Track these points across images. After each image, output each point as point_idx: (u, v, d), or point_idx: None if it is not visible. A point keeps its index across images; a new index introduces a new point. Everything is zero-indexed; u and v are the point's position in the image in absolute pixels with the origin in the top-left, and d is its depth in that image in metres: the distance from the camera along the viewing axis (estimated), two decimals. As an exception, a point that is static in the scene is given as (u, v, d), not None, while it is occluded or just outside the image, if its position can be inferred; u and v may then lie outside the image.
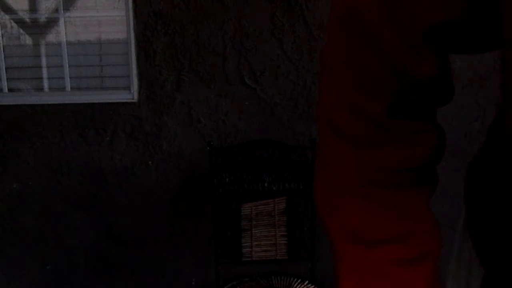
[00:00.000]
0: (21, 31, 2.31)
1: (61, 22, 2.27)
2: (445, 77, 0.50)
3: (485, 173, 0.55)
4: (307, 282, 2.23)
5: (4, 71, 2.30)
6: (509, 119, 0.45)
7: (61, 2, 2.25)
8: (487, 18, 0.44)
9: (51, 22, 2.29)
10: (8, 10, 2.28)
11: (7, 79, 2.31)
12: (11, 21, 2.29)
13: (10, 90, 2.33)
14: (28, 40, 2.31)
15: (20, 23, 2.30)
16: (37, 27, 2.30)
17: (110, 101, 2.27)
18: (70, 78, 2.32)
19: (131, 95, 2.27)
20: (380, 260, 0.52)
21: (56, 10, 2.27)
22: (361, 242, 0.53)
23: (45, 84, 2.35)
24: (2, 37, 2.29)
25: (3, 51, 2.29)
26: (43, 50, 2.32)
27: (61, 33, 2.28)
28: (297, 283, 2.23)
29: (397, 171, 0.51)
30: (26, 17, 2.29)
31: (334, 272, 0.57)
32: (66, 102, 2.28)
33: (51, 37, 2.30)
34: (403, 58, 0.46)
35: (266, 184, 2.15)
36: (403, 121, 0.50)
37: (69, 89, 2.33)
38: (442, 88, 0.50)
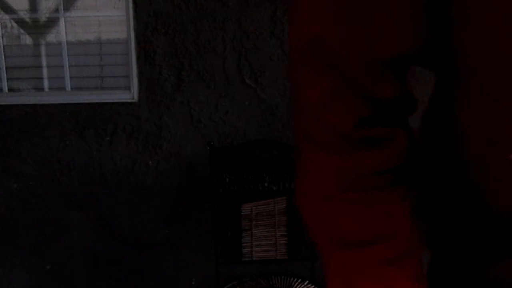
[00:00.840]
0: (21, 31, 2.31)
1: (61, 22, 2.27)
2: (407, 94, 0.52)
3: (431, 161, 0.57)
4: (307, 282, 2.23)
5: (4, 71, 2.30)
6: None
7: (61, 2, 2.25)
8: (441, 50, 0.47)
9: (51, 22, 2.29)
10: (8, 10, 2.28)
11: (7, 79, 2.31)
12: (11, 21, 2.29)
13: (10, 90, 2.33)
14: (28, 40, 2.32)
15: (20, 23, 2.30)
16: (37, 27, 2.30)
17: (110, 101, 2.27)
18: (70, 78, 2.32)
19: (131, 95, 2.27)
20: (364, 261, 0.53)
21: (56, 10, 2.27)
22: (344, 246, 0.54)
23: (45, 84, 2.35)
24: (2, 37, 2.29)
25: (3, 51, 2.29)
26: (43, 50, 2.32)
27: (61, 33, 2.28)
28: (297, 283, 2.23)
29: (372, 174, 0.53)
30: (26, 17, 2.29)
31: (325, 276, 0.58)
32: (66, 102, 2.28)
33: (51, 37, 2.30)
34: (367, 84, 0.49)
35: (266, 184, 2.15)
36: (371, 130, 0.51)
37: (69, 89, 2.33)
38: (405, 103, 0.53)
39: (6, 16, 2.29)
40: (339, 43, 0.47)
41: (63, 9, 2.26)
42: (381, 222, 0.53)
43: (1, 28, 2.28)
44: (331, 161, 0.54)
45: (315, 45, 0.49)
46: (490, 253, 0.51)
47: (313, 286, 2.22)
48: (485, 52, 0.42)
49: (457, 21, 0.43)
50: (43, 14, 2.29)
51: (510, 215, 0.47)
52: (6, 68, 2.30)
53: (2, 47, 2.29)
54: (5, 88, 2.31)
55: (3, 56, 2.29)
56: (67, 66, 2.30)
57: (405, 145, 0.52)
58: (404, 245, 0.52)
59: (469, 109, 0.45)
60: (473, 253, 0.53)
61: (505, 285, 0.51)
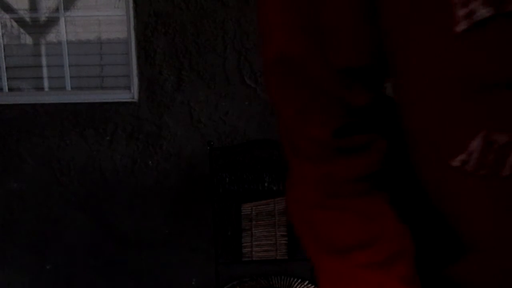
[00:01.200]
0: (22, 30, 2.31)
1: (62, 21, 2.27)
2: (382, 100, 0.54)
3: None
4: (307, 282, 2.23)
5: (5, 70, 2.30)
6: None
7: (62, 2, 2.25)
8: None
9: (52, 22, 2.29)
10: (8, 9, 2.28)
11: (7, 78, 2.31)
12: (12, 20, 2.29)
13: (10, 89, 2.33)
14: (28, 39, 2.32)
15: (21, 22, 2.30)
16: (38, 27, 2.30)
17: (110, 100, 2.27)
18: (70, 77, 2.32)
19: (131, 94, 2.27)
20: (354, 266, 0.53)
21: (57, 10, 2.27)
22: (334, 251, 0.55)
23: (46, 84, 2.35)
24: (2, 36, 2.29)
25: (4, 51, 2.29)
26: (43, 49, 2.32)
27: (62, 33, 2.28)
28: (297, 283, 2.22)
29: (355, 180, 0.54)
30: (27, 16, 2.29)
31: (317, 282, 0.59)
32: (66, 101, 2.28)
33: (51, 37, 2.30)
34: (338, 94, 0.50)
35: (266, 184, 2.15)
36: (349, 139, 0.53)
37: (70, 88, 2.33)
38: (381, 109, 0.54)
39: (6, 16, 2.29)
40: (303, 58, 0.49)
41: (63, 9, 2.26)
42: (368, 226, 0.54)
43: (1, 28, 2.28)
44: (315, 170, 0.55)
45: (283, 62, 0.50)
46: (447, 255, 0.53)
47: (313, 286, 2.22)
48: (409, 61, 0.43)
49: (386, 34, 0.44)
50: (43, 14, 2.29)
51: (455, 219, 0.48)
52: (6, 67, 2.30)
53: (2, 47, 2.29)
54: (5, 88, 2.31)
55: (3, 56, 2.29)
56: (67, 65, 2.30)
57: (384, 149, 0.53)
58: (392, 247, 0.53)
59: (411, 116, 0.46)
60: (434, 254, 0.54)
61: (464, 285, 0.52)
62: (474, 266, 0.50)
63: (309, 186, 0.56)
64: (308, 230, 0.59)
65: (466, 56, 0.38)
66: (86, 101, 2.27)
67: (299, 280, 2.24)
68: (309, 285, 2.22)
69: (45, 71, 2.34)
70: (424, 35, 0.40)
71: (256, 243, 2.28)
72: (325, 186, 0.55)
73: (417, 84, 0.43)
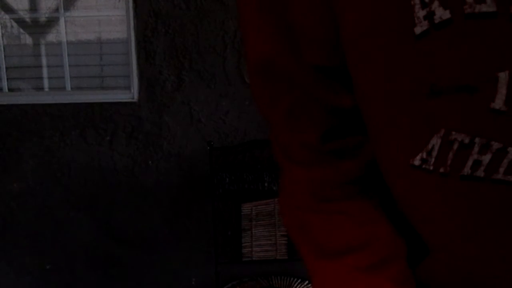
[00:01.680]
0: (21, 30, 2.31)
1: (62, 21, 2.27)
2: None
3: None
4: (307, 282, 2.23)
5: (5, 70, 2.30)
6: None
7: (61, 2, 2.25)
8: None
9: (52, 22, 2.29)
10: (8, 9, 2.28)
11: (7, 78, 2.31)
12: (11, 20, 2.30)
13: (10, 89, 2.33)
14: (28, 39, 2.32)
15: (21, 22, 2.30)
16: (38, 27, 2.30)
17: (110, 100, 2.27)
18: (70, 77, 2.32)
19: (131, 95, 2.27)
20: (347, 269, 0.53)
21: (57, 10, 2.27)
22: (325, 255, 0.55)
23: (45, 84, 2.35)
24: (2, 37, 2.29)
25: (4, 51, 2.29)
26: (43, 49, 2.32)
27: (62, 33, 2.28)
28: (297, 283, 2.23)
29: (345, 183, 0.54)
30: (27, 16, 2.29)
31: (311, 284, 0.59)
32: (66, 101, 2.28)
33: (51, 37, 2.30)
34: (322, 96, 0.50)
35: (266, 184, 2.15)
36: (337, 142, 0.53)
37: (69, 88, 2.33)
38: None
39: (6, 16, 2.29)
40: (283, 60, 0.49)
41: (63, 9, 2.26)
42: (358, 230, 0.54)
43: (1, 28, 2.28)
44: (305, 173, 0.55)
45: (266, 66, 0.50)
46: (416, 254, 0.53)
47: (313, 286, 2.22)
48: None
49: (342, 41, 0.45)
50: (43, 14, 2.29)
51: (418, 219, 0.49)
52: (6, 68, 2.30)
53: (2, 47, 2.29)
54: (5, 88, 2.32)
55: (3, 56, 2.29)
56: (67, 66, 2.30)
57: (371, 152, 0.53)
58: (383, 251, 0.53)
59: (371, 116, 0.46)
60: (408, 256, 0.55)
61: (431, 286, 0.53)
62: (437, 266, 0.50)
63: (300, 189, 0.57)
64: (299, 233, 0.59)
65: (421, 59, 0.38)
66: (86, 101, 2.27)
67: (299, 280, 2.24)
68: (309, 285, 2.22)
69: (45, 71, 2.34)
70: (381, 39, 0.40)
71: (256, 243, 2.28)
72: (316, 190, 0.55)
73: (373, 88, 0.43)
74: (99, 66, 2.33)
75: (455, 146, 0.39)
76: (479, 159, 0.38)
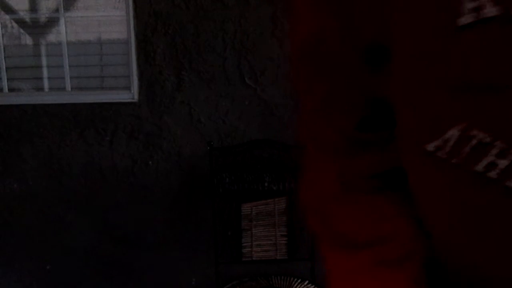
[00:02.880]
0: (22, 31, 2.31)
1: (62, 22, 2.27)
2: None
3: None
4: (307, 282, 2.23)
5: (5, 71, 2.30)
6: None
7: (61, 2, 2.25)
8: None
9: (52, 22, 2.29)
10: (8, 10, 2.28)
11: (7, 79, 2.31)
12: (12, 21, 2.30)
13: (10, 90, 2.33)
14: (28, 40, 2.32)
15: (21, 23, 2.30)
16: (38, 27, 2.30)
17: (110, 101, 2.27)
18: (70, 78, 2.32)
19: (131, 95, 2.27)
20: (366, 262, 0.53)
21: (57, 10, 2.27)
22: (347, 246, 0.55)
23: (46, 84, 2.35)
24: (2, 37, 2.29)
25: (4, 51, 2.29)
26: (43, 50, 2.32)
27: (62, 33, 2.28)
28: (297, 283, 2.22)
29: (374, 176, 0.54)
30: (27, 17, 2.30)
31: (326, 275, 0.59)
32: (66, 102, 2.28)
33: (51, 37, 2.30)
34: (364, 80, 0.49)
35: (266, 184, 2.16)
36: (371, 133, 0.53)
37: (70, 89, 2.33)
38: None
39: (6, 16, 2.29)
40: (335, 38, 0.48)
41: (63, 9, 2.26)
42: (381, 224, 0.54)
43: (1, 28, 2.29)
44: (334, 163, 0.55)
45: (314, 44, 0.50)
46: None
47: (313, 286, 2.22)
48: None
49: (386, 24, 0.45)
50: (43, 14, 2.29)
51: (425, 208, 0.48)
52: (6, 68, 2.30)
53: (2, 47, 2.29)
54: (5, 88, 2.32)
55: (3, 56, 2.29)
56: (67, 66, 2.30)
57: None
58: (404, 247, 0.53)
59: (403, 94, 0.46)
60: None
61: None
62: (436, 254, 0.50)
63: (326, 178, 0.56)
64: (321, 222, 0.58)
65: (458, 50, 0.37)
66: (86, 101, 2.27)
67: (299, 280, 2.24)
68: (309, 285, 2.22)
69: (45, 72, 2.34)
70: (421, 26, 0.40)
71: (256, 243, 2.28)
72: (343, 180, 0.55)
73: (406, 73, 0.43)
74: (99, 66, 2.33)
75: (473, 142, 0.38)
76: (496, 162, 0.37)
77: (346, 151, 0.54)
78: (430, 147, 0.42)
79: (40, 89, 2.35)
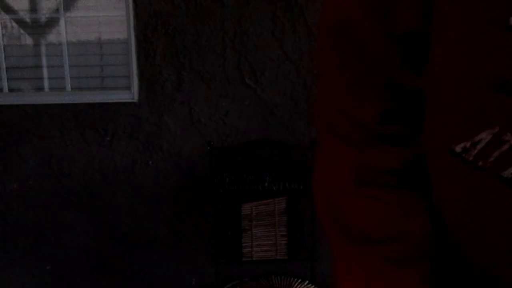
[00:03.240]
0: (22, 31, 2.31)
1: (62, 22, 2.27)
2: None
3: None
4: (307, 282, 2.23)
5: (5, 71, 2.30)
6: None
7: (61, 2, 2.25)
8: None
9: (52, 22, 2.29)
10: (8, 10, 2.28)
11: (7, 79, 2.31)
12: (12, 21, 2.30)
13: (10, 90, 2.33)
14: (28, 40, 2.32)
15: (21, 23, 2.30)
16: (38, 27, 2.30)
17: (110, 101, 2.27)
18: (70, 78, 2.32)
19: (131, 95, 2.27)
20: (376, 259, 0.52)
21: (57, 10, 2.27)
22: (358, 241, 0.54)
23: (46, 84, 2.35)
24: (2, 37, 2.29)
25: (4, 51, 2.29)
26: (43, 50, 2.32)
27: (62, 33, 2.28)
28: (297, 283, 2.22)
29: (392, 171, 0.53)
30: (27, 17, 2.30)
31: (333, 272, 0.58)
32: (67, 102, 2.28)
33: (51, 37, 2.30)
34: (391, 68, 0.48)
35: (266, 184, 2.16)
36: (394, 126, 0.51)
37: (70, 89, 2.33)
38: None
39: (6, 16, 2.29)
40: (367, 23, 0.47)
41: (63, 9, 2.26)
42: (394, 220, 0.53)
43: (1, 28, 2.29)
44: (351, 155, 0.53)
45: (345, 27, 0.49)
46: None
47: (313, 286, 2.22)
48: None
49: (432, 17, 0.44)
50: (43, 14, 2.29)
51: (446, 207, 0.48)
52: (6, 68, 2.30)
53: (2, 47, 2.29)
54: (5, 88, 2.32)
55: (3, 56, 2.29)
56: (67, 66, 2.30)
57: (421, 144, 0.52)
58: (415, 246, 0.52)
59: (438, 90, 0.45)
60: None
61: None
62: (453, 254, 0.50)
63: (342, 170, 0.54)
64: (332, 215, 0.56)
65: (504, 50, 0.37)
66: (86, 101, 2.27)
67: (299, 280, 2.24)
68: (309, 285, 2.22)
69: (45, 72, 2.34)
70: (470, 20, 0.39)
71: (256, 243, 2.28)
72: (359, 173, 0.53)
73: (445, 68, 0.42)
74: (99, 66, 2.33)
75: (505, 147, 0.38)
76: None
77: (365, 143, 0.52)
78: (458, 148, 0.41)
79: (40, 89, 2.35)
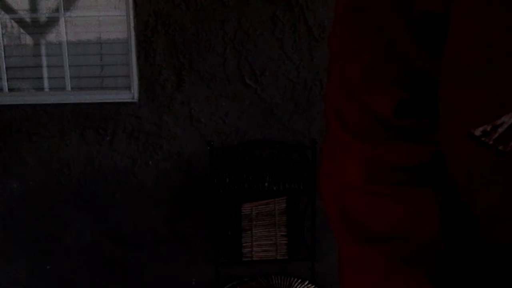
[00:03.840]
0: (22, 31, 2.31)
1: (62, 21, 2.27)
2: None
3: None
4: (307, 282, 2.23)
5: (5, 71, 2.30)
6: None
7: (61, 2, 2.25)
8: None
9: (52, 22, 2.29)
10: (8, 10, 2.28)
11: (7, 79, 2.31)
12: (12, 21, 2.29)
13: (10, 90, 2.33)
14: (28, 40, 2.32)
15: (21, 22, 2.30)
16: (38, 27, 2.30)
17: (110, 101, 2.27)
18: (70, 77, 2.32)
19: (131, 95, 2.27)
20: (384, 258, 0.51)
21: (57, 10, 2.27)
22: (366, 239, 0.52)
23: (46, 84, 2.35)
24: (2, 37, 2.29)
25: (4, 51, 2.29)
26: (43, 49, 2.32)
27: (62, 33, 2.28)
28: (297, 283, 2.22)
29: (404, 168, 0.51)
30: (27, 16, 2.29)
31: (338, 269, 0.56)
32: (67, 101, 2.28)
33: (51, 37, 2.30)
34: (410, 53, 0.47)
35: (266, 184, 2.15)
36: (409, 119, 0.49)
37: (70, 88, 2.33)
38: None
39: (6, 16, 2.29)
40: (382, 5, 0.46)
41: (63, 9, 2.26)
42: (406, 219, 0.51)
43: (1, 28, 2.28)
44: (362, 149, 0.51)
45: (360, 10, 0.48)
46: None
47: (313, 286, 2.22)
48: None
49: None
50: (43, 14, 2.29)
51: (464, 192, 0.47)
52: (6, 68, 2.30)
53: (2, 47, 2.29)
54: (5, 88, 2.31)
55: (3, 56, 2.29)
56: (67, 66, 2.30)
57: (438, 142, 0.50)
58: (426, 246, 0.51)
59: (457, 72, 0.44)
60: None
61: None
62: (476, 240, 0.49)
63: (352, 164, 0.52)
64: (340, 211, 0.54)
65: None
66: (86, 101, 2.27)
67: (299, 280, 2.24)
68: (309, 285, 2.22)
69: (45, 72, 2.34)
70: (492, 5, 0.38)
71: (256, 243, 2.28)
72: (369, 169, 0.51)
73: (465, 49, 0.41)
74: (99, 66, 2.33)
75: None
76: None
77: (378, 136, 0.50)
78: (477, 131, 0.40)
79: (40, 89, 2.35)
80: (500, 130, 0.39)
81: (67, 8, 2.27)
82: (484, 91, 0.40)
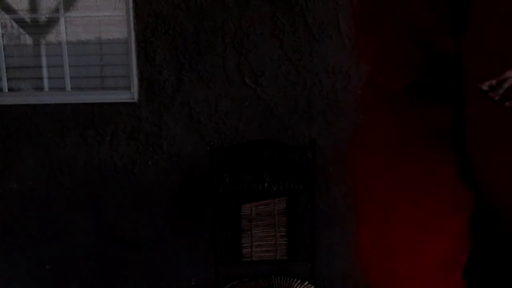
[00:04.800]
0: (22, 31, 2.31)
1: (62, 22, 2.27)
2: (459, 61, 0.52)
3: None
4: (307, 282, 2.23)
5: (4, 71, 2.30)
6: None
7: (61, 2, 2.25)
8: None
9: (52, 22, 2.29)
10: (8, 9, 2.28)
11: (7, 79, 2.31)
12: (12, 21, 2.30)
13: (10, 90, 2.33)
14: (28, 40, 2.32)
15: (21, 23, 2.30)
16: (38, 27, 2.30)
17: (110, 101, 2.27)
18: (70, 78, 2.32)
19: (131, 95, 2.27)
20: (409, 214, 0.54)
21: (57, 10, 2.27)
22: (399, 198, 0.55)
23: (46, 84, 2.35)
24: (2, 37, 2.29)
25: (4, 51, 2.29)
26: (43, 50, 2.32)
27: (61, 33, 2.28)
28: (296, 283, 2.22)
29: (430, 131, 0.54)
30: (27, 17, 2.30)
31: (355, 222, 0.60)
32: (66, 102, 2.28)
33: (51, 37, 2.30)
34: (428, 31, 0.49)
35: (266, 184, 2.15)
36: (418, 99, 0.53)
37: (69, 89, 2.33)
38: (457, 71, 0.53)
39: (6, 16, 2.29)
40: None
41: (63, 9, 2.26)
42: (430, 177, 0.54)
43: (1, 28, 2.28)
44: (389, 117, 0.55)
45: None
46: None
47: (312, 287, 2.22)
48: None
49: None
50: (43, 14, 2.29)
51: (471, 151, 0.49)
52: (6, 68, 2.30)
53: (2, 47, 2.29)
54: (5, 88, 2.32)
55: (3, 56, 2.29)
56: (67, 66, 2.30)
57: (450, 119, 0.52)
58: (450, 201, 0.53)
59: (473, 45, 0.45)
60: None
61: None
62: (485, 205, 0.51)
63: (381, 132, 0.56)
64: (367, 171, 0.58)
65: None
66: (86, 101, 2.27)
67: (299, 281, 2.24)
68: (309, 285, 2.22)
69: (45, 72, 2.34)
70: None
71: (256, 243, 2.28)
72: (399, 133, 0.55)
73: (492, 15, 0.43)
74: (99, 66, 2.33)
75: None
76: None
77: (407, 102, 0.53)
78: (484, 86, 0.42)
79: (40, 89, 2.35)
80: (505, 85, 0.40)
81: (67, 8, 2.27)
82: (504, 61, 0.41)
